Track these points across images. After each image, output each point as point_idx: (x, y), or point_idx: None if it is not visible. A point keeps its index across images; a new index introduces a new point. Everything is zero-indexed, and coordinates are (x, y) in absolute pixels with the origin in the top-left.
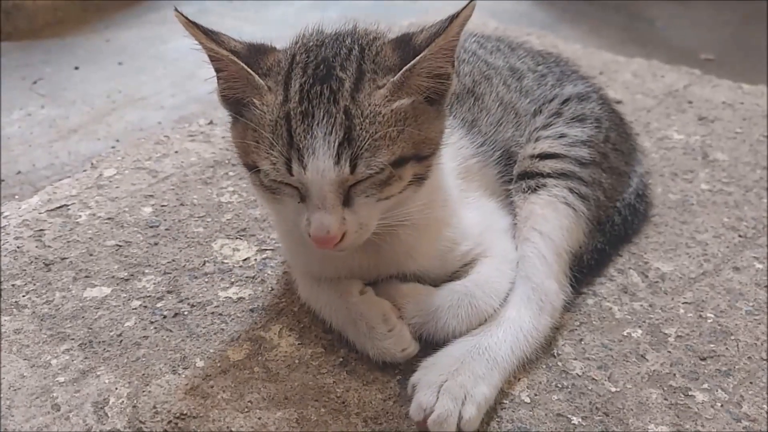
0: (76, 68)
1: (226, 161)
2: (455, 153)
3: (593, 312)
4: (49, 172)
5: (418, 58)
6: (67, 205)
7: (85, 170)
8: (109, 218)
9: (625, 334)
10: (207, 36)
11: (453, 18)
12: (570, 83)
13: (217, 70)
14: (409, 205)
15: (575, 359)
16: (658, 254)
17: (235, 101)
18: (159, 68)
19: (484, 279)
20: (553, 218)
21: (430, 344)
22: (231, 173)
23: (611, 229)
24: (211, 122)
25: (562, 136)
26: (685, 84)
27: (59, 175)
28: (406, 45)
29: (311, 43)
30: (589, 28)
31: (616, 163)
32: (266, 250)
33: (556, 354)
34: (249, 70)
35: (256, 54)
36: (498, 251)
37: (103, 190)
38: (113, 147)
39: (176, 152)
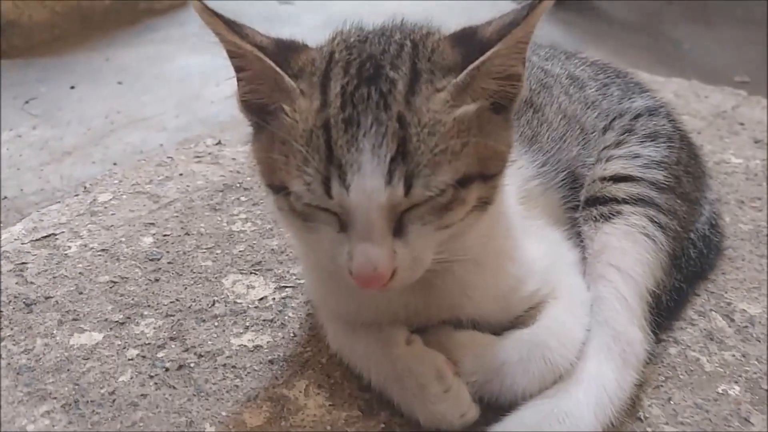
0: (72, 87)
1: (237, 185)
2: (514, 173)
3: (678, 364)
4: (39, 198)
5: (490, 52)
6: (55, 235)
7: (77, 195)
8: (102, 250)
9: (720, 391)
10: (228, 27)
11: (533, 6)
12: (638, 95)
13: (238, 70)
14: (468, 235)
15: (666, 424)
16: (740, 293)
17: (259, 108)
18: (162, 88)
19: (558, 326)
20: (632, 252)
21: (492, 408)
22: (243, 198)
23: (687, 264)
24: (219, 143)
25: (636, 156)
26: (733, 105)
27: (50, 201)
28: (470, 39)
29: (352, 39)
30: (612, 50)
31: (689, 188)
32: (286, 287)
33: (643, 417)
34: (278, 69)
35: (285, 51)
36: (568, 291)
37: (96, 217)
38: (110, 169)
39: (181, 175)
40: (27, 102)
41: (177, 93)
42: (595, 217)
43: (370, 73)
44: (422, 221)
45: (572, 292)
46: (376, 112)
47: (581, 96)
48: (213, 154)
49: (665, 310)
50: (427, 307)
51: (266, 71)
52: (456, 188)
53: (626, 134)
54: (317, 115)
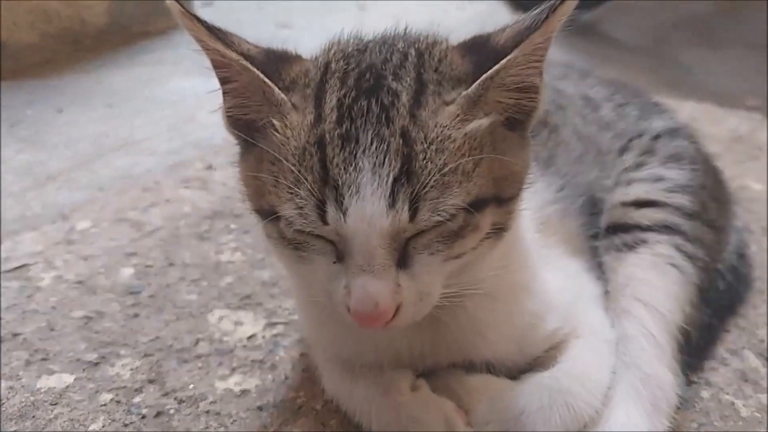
0: (60, 111)
1: (227, 211)
2: (530, 198)
3: (712, 409)
4: (18, 226)
5: (504, 61)
6: (28, 265)
7: (54, 222)
8: (78, 282)
9: None
10: (211, 33)
11: (554, 7)
12: (656, 116)
13: (223, 81)
14: (481, 267)
15: None
16: None
17: (247, 125)
18: (154, 111)
19: (581, 369)
20: (659, 284)
21: None
22: (233, 226)
23: (716, 298)
24: (210, 167)
25: (659, 179)
26: (749, 129)
27: (29, 228)
28: (482, 48)
29: (350, 49)
30: (618, 73)
31: (715, 214)
32: (278, 323)
33: None
34: (266, 80)
35: (276, 62)
36: (591, 329)
37: (74, 246)
38: (91, 195)
39: (167, 201)
40: (13, 126)
41: (169, 116)
42: (617, 246)
43: (370, 84)
44: (430, 250)
45: (596, 330)
46: (377, 126)
47: (596, 117)
48: (202, 179)
49: (695, 348)
50: (435, 348)
51: (254, 83)
52: (468, 213)
53: (646, 155)
54: (311, 131)
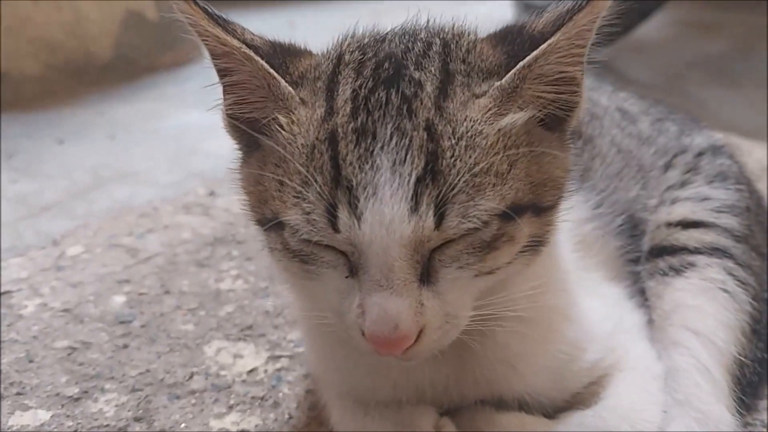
0: (61, 142)
1: (230, 238)
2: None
3: None
4: (9, 255)
5: (545, 45)
6: (11, 292)
7: (43, 247)
8: (65, 310)
9: None
10: (209, 18)
11: None
12: (697, 132)
13: (222, 74)
14: (515, 286)
15: None
16: None
17: (248, 124)
18: (156, 143)
19: (627, 406)
20: (711, 311)
21: None
22: (235, 252)
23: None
24: (212, 193)
25: (705, 198)
26: None
27: (16, 255)
28: (517, 36)
29: (366, 40)
30: None
31: (760, 239)
32: (281, 356)
33: None
34: (271, 70)
35: (282, 54)
36: (636, 361)
37: (63, 272)
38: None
39: (165, 227)
40: (10, 156)
41: (171, 147)
42: (662, 270)
43: (390, 74)
44: (458, 264)
45: (642, 363)
46: (398, 119)
47: (635, 130)
48: (204, 205)
49: (748, 385)
50: (461, 381)
51: (257, 75)
52: (502, 220)
53: (690, 173)
54: (321, 126)
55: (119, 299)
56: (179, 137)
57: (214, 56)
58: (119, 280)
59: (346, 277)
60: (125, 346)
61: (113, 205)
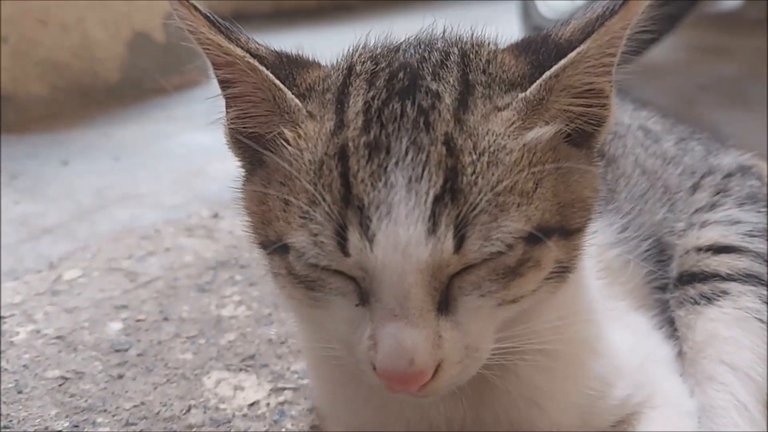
0: (65, 163)
1: (233, 262)
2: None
3: None
4: (8, 279)
5: (574, 53)
6: (3, 318)
7: (39, 271)
8: (58, 337)
9: None
10: (211, 25)
11: None
12: (723, 152)
13: (225, 86)
14: (539, 317)
15: None
16: None
17: (253, 140)
18: (161, 164)
19: None
20: (748, 344)
21: None
22: (238, 277)
23: None
24: (216, 215)
25: (736, 222)
26: None
27: (12, 279)
28: (541, 45)
29: (379, 50)
30: None
31: None
32: (285, 388)
33: None
34: (277, 81)
35: (289, 65)
36: (668, 398)
37: (58, 297)
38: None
39: (167, 250)
40: (13, 178)
41: (177, 169)
42: (693, 298)
43: (404, 85)
44: (480, 291)
45: (673, 400)
46: (414, 133)
47: (659, 149)
48: (207, 228)
49: None
50: (480, 419)
51: (262, 86)
52: (527, 244)
53: (720, 195)
54: (330, 140)
55: (115, 326)
56: (185, 159)
57: (216, 66)
58: (116, 306)
59: (357, 306)
60: (120, 377)
61: (116, 227)
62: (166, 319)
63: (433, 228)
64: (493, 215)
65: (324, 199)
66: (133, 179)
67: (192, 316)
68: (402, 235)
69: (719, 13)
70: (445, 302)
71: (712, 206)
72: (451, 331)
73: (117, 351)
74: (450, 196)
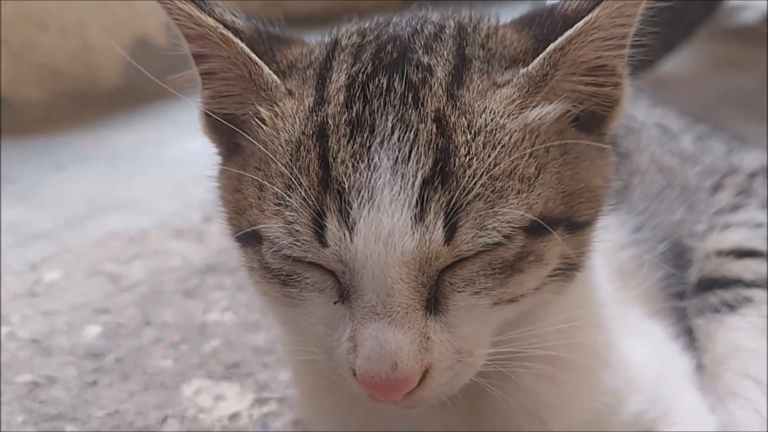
0: (61, 168)
1: (223, 266)
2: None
3: None
4: None
5: (582, 23)
6: None
7: (19, 272)
8: (33, 340)
9: None
10: None
11: None
12: (745, 151)
13: (198, 60)
14: (544, 320)
15: None
16: None
17: (228, 121)
18: (158, 171)
19: None
20: None
21: None
22: (227, 282)
23: None
24: (207, 219)
25: (759, 225)
26: None
27: None
28: (546, 18)
29: (368, 24)
30: None
31: None
32: (269, 399)
33: None
34: (253, 55)
35: (269, 41)
36: (686, 414)
37: (37, 299)
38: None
39: (154, 253)
40: (7, 182)
41: (173, 176)
42: (714, 305)
43: (393, 57)
44: (473, 288)
45: (692, 417)
46: (401, 109)
47: (676, 147)
48: (197, 231)
49: None
50: None
51: (237, 61)
52: (528, 236)
53: (742, 196)
54: (309, 118)
55: (94, 330)
56: (182, 166)
57: (189, 39)
58: (97, 309)
59: (335, 303)
60: (94, 383)
61: (107, 233)
62: (148, 323)
63: (420, 215)
64: (489, 202)
65: (300, 183)
66: (128, 185)
67: (175, 322)
68: (385, 224)
69: (738, 26)
70: (434, 300)
71: (735, 207)
72: (440, 332)
73: (93, 356)
74: (440, 180)
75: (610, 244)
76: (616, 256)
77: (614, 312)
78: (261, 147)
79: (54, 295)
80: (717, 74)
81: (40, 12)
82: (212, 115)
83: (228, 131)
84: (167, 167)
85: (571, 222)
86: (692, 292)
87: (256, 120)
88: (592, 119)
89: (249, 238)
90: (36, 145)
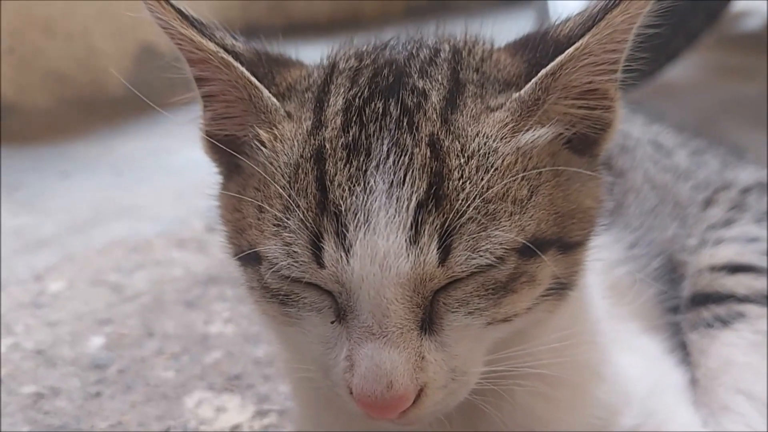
0: (66, 176)
1: (225, 277)
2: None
3: None
4: None
5: (573, 48)
6: None
7: (23, 282)
8: (37, 351)
9: None
10: (184, 20)
11: None
12: (741, 166)
13: (200, 84)
14: (537, 339)
15: None
16: None
17: (228, 143)
18: (162, 179)
19: None
20: (766, 371)
21: None
22: (228, 293)
23: None
24: (210, 229)
25: (753, 239)
26: None
27: None
28: (539, 42)
29: (364, 48)
30: None
31: None
32: (270, 411)
33: None
34: (253, 79)
35: (269, 64)
36: (679, 428)
37: (41, 310)
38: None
39: (157, 263)
40: (13, 189)
41: (178, 184)
42: (706, 320)
43: (389, 82)
44: (467, 308)
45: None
46: (397, 133)
47: (670, 164)
48: (200, 241)
49: None
50: None
51: (237, 85)
52: (521, 257)
53: (735, 210)
54: (307, 142)
55: (97, 341)
56: (187, 174)
57: (191, 63)
58: (100, 320)
59: (332, 323)
60: (98, 394)
61: (112, 240)
62: (150, 334)
63: (415, 237)
64: (482, 224)
65: (298, 206)
66: (133, 193)
67: (177, 333)
68: (381, 246)
69: (742, 33)
70: (429, 320)
71: (727, 222)
72: (435, 352)
73: (97, 367)
74: (434, 203)
75: (605, 261)
76: (610, 272)
77: (608, 327)
78: (260, 169)
79: (58, 306)
80: (721, 82)
81: (46, 19)
82: (211, 139)
83: (228, 152)
84: (171, 175)
85: (564, 243)
86: (686, 307)
87: (256, 142)
88: (584, 141)
89: (249, 258)
90: (41, 152)
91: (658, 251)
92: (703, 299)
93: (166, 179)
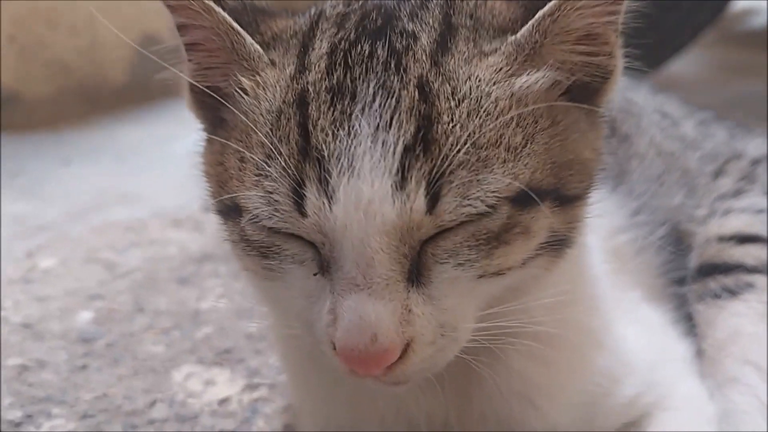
0: (67, 164)
1: (219, 255)
2: (596, 223)
3: None
4: None
5: None
6: None
7: (15, 259)
8: (25, 325)
9: None
10: None
11: None
12: (749, 138)
13: (182, 31)
14: (533, 297)
15: None
16: None
17: (212, 95)
18: (164, 166)
19: None
20: None
21: None
22: (222, 269)
23: None
24: (207, 208)
25: (761, 210)
26: None
27: None
28: None
29: None
30: None
31: None
32: (260, 384)
33: None
34: (235, 24)
35: (254, 13)
36: (683, 399)
37: (31, 285)
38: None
39: (151, 242)
40: (15, 176)
41: (180, 172)
42: (714, 291)
43: (377, 25)
44: (457, 260)
45: (690, 403)
46: (383, 75)
47: (677, 132)
48: (195, 220)
49: None
50: (465, 417)
51: (219, 32)
52: (514, 207)
53: (745, 181)
54: (289, 86)
55: (86, 315)
56: (187, 162)
57: (172, 10)
58: (90, 295)
59: (315, 275)
60: (84, 367)
61: (110, 227)
62: (140, 310)
63: (401, 183)
64: (473, 170)
65: (280, 153)
66: (135, 181)
67: (169, 309)
68: (365, 192)
69: (746, 31)
70: (416, 272)
71: (737, 193)
72: (422, 305)
73: (84, 341)
74: (422, 147)
75: (608, 227)
76: (613, 238)
77: (610, 295)
78: (243, 118)
79: (48, 282)
80: (725, 79)
81: (49, 10)
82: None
83: (213, 106)
84: (173, 163)
85: (560, 194)
86: (692, 277)
87: (238, 90)
88: (584, 91)
89: (230, 211)
90: (44, 140)
91: (663, 219)
92: (710, 269)
93: (167, 167)
